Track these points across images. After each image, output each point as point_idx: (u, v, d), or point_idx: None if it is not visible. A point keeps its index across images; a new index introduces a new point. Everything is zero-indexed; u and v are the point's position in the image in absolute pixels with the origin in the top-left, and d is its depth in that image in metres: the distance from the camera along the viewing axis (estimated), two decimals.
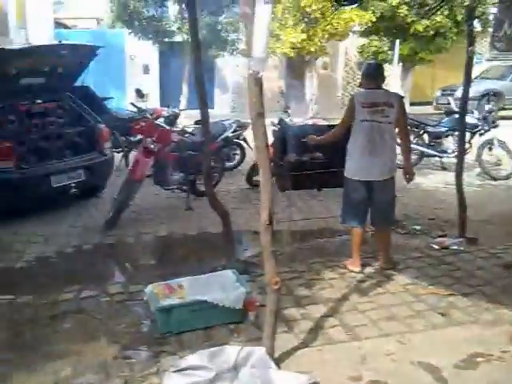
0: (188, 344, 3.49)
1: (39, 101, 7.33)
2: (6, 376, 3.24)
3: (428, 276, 4.56)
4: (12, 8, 17.29)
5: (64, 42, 7.73)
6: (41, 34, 16.10)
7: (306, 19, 15.51)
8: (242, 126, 8.98)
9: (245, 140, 9.11)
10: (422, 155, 9.32)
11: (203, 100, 4.88)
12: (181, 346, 3.48)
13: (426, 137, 9.52)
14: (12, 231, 6.17)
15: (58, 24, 19.60)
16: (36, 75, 7.08)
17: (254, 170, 7.76)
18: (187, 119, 11.47)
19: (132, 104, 7.94)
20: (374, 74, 4.64)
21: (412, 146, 9.01)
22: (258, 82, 2.89)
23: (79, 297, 4.30)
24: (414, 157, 9.18)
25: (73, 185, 6.82)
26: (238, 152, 9.33)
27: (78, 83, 8.16)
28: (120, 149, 9.39)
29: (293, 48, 16.04)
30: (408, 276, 4.56)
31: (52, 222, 6.53)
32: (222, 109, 20.24)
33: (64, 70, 7.35)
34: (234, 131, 8.57)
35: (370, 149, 4.49)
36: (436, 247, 5.29)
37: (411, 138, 8.90)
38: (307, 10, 14.83)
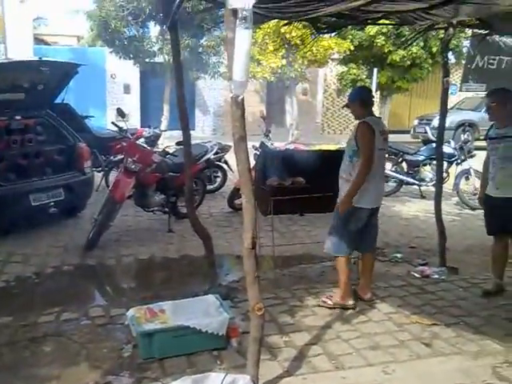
0: (171, 370, 3.42)
1: (18, 117, 7.18)
2: None
3: (411, 305, 4.55)
4: None
5: (44, 58, 7.65)
6: (20, 50, 15.92)
7: (286, 45, 15.75)
8: (224, 149, 8.98)
9: (226, 163, 9.11)
10: (401, 183, 9.46)
11: (185, 122, 4.86)
12: (163, 373, 3.41)
13: (404, 165, 9.68)
14: None
15: (38, 40, 19.49)
16: (15, 91, 6.97)
17: (235, 193, 7.75)
18: (168, 140, 11.49)
19: (113, 123, 7.87)
20: (371, 101, 4.57)
21: (391, 173, 9.24)
22: (239, 106, 2.90)
23: (59, 319, 4.21)
24: (393, 184, 9.34)
25: (52, 204, 6.71)
26: (220, 175, 9.33)
27: (58, 101, 8.08)
28: (100, 168, 9.31)
29: (273, 73, 16.24)
30: (391, 304, 4.55)
31: (31, 241, 6.40)
32: (203, 131, 20.31)
33: (44, 86, 7.26)
34: (216, 153, 8.54)
35: (382, 176, 4.65)
36: (417, 276, 5.31)
37: (390, 165, 9.11)
38: (287, 36, 15.05)
